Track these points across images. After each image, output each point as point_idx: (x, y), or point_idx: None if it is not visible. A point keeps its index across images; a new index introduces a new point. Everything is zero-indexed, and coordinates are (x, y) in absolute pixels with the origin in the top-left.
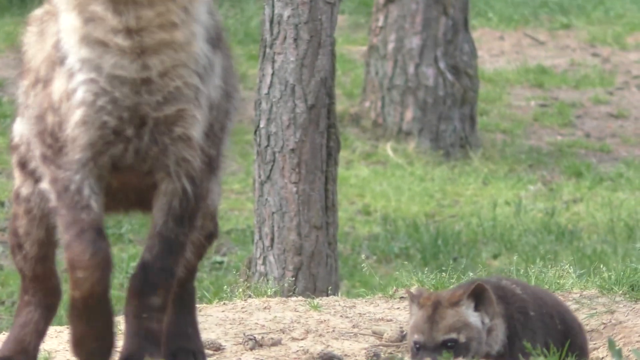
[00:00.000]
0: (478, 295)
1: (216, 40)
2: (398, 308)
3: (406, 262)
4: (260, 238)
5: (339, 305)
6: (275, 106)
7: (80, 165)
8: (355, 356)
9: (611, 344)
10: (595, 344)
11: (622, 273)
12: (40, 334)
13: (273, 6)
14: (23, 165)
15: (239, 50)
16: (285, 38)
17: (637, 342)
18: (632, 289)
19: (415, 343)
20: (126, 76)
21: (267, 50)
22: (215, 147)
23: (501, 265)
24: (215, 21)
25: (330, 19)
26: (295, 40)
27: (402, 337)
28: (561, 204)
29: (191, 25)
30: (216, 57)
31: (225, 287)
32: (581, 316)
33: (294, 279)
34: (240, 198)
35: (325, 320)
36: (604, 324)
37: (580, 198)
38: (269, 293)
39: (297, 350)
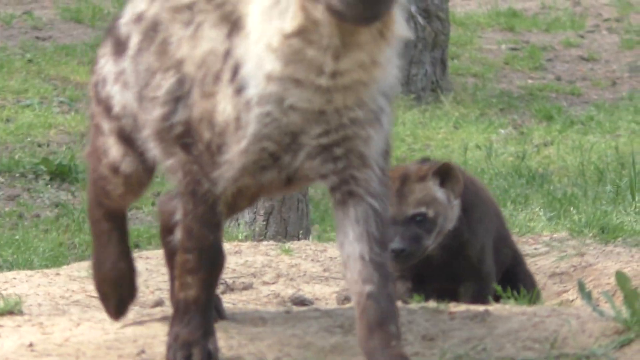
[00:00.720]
0: (443, 174)
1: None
2: None
3: None
4: None
5: (310, 249)
6: None
7: (226, 184)
8: (326, 299)
9: (581, 286)
10: (565, 286)
11: (592, 216)
12: None
13: None
14: (124, 137)
15: None
16: None
17: (607, 284)
18: (602, 232)
19: None
20: (306, 108)
21: None
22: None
23: None
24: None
25: None
26: None
27: None
28: (532, 147)
29: (392, 60)
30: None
31: None
32: (551, 259)
33: (265, 223)
34: None
35: (296, 264)
36: (574, 266)
37: (551, 141)
38: (240, 237)
39: (268, 294)
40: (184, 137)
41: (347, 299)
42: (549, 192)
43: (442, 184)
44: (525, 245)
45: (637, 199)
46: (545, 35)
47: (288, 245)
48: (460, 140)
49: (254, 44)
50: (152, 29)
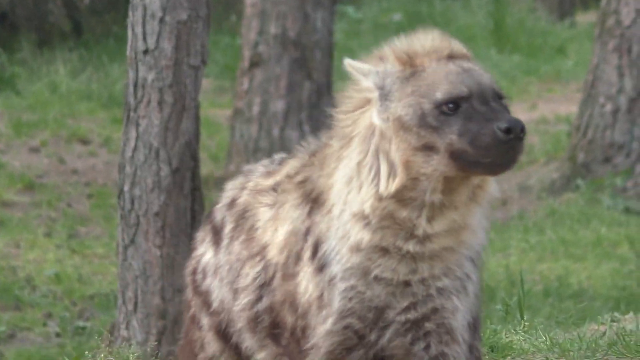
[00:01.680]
0: None
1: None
2: None
3: None
4: (124, 302)
5: None
6: (140, 169)
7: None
8: None
9: None
10: None
11: (482, 334)
12: None
13: (137, 70)
14: (221, 332)
15: (102, 114)
16: (149, 101)
17: None
18: (492, 350)
19: None
20: (391, 278)
21: (132, 113)
22: (479, 335)
23: None
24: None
25: (195, 83)
26: (159, 103)
27: None
28: None
29: (482, 222)
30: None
31: (87, 352)
32: None
33: (157, 343)
34: (104, 262)
35: None
36: None
37: None
38: (131, 358)
39: None
40: (273, 328)
41: None
42: None
43: None
44: None
45: (525, 318)
46: None
47: None
48: None
49: (337, 218)
50: (242, 216)
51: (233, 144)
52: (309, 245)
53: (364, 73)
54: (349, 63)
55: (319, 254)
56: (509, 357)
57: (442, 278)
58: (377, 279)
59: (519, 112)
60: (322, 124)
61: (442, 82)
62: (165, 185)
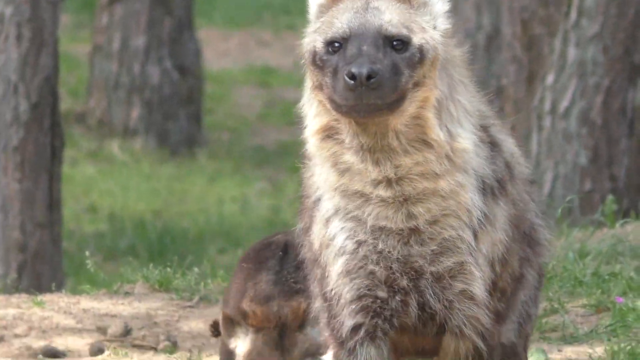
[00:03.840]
0: None
1: (496, 190)
2: (122, 303)
3: (132, 259)
4: None
5: (63, 301)
6: None
7: (353, 332)
8: (79, 351)
9: None
10: None
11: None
12: None
13: None
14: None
15: None
16: (7, 36)
17: None
18: None
19: None
20: (391, 227)
21: None
22: (503, 301)
23: (227, 259)
24: (493, 169)
25: (53, 17)
26: (17, 38)
27: (126, 332)
28: (286, 201)
29: (457, 175)
30: (497, 208)
31: None
32: None
33: (17, 276)
34: None
35: (48, 317)
36: None
37: None
38: None
39: (20, 347)
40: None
41: (100, 350)
42: None
43: None
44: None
45: None
46: (298, 91)
47: (40, 297)
48: (216, 194)
49: (318, 168)
50: None
51: (93, 79)
52: (313, 196)
53: None
54: None
55: (316, 197)
56: None
57: (448, 229)
58: (375, 227)
59: None
60: (183, 60)
61: (336, 20)
62: (24, 120)
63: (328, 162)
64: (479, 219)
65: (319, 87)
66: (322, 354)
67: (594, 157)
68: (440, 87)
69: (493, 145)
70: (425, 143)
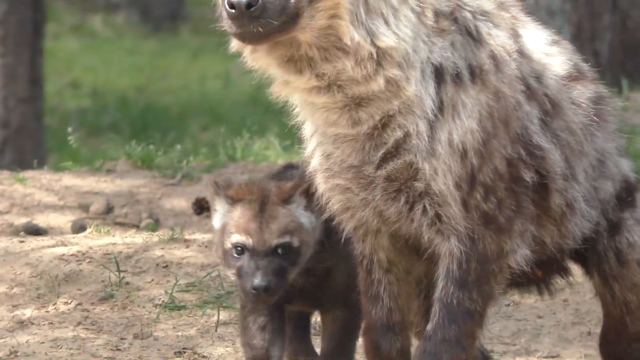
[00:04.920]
0: (310, 194)
1: (464, 77)
2: (105, 181)
3: (115, 136)
4: None
5: (45, 178)
6: None
7: (358, 240)
8: (61, 228)
9: None
10: None
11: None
12: None
13: None
14: None
15: None
16: None
17: None
18: None
19: (237, 246)
20: (340, 132)
21: None
22: (493, 202)
23: (210, 136)
24: (462, 56)
25: None
26: None
27: (109, 210)
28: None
29: (391, 71)
30: (464, 95)
31: None
32: None
33: (0, 152)
34: None
35: (30, 194)
36: None
37: None
38: None
39: (2, 224)
40: None
41: (82, 228)
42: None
43: (307, 206)
44: (261, 173)
45: None
46: None
47: (22, 174)
48: (199, 70)
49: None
50: None
51: None
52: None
53: None
54: None
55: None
56: None
57: (396, 130)
58: (326, 135)
59: None
60: None
61: None
62: None
63: (266, 73)
64: (433, 108)
65: None
66: (302, 234)
67: (577, 33)
68: None
69: (467, 33)
70: (342, 49)
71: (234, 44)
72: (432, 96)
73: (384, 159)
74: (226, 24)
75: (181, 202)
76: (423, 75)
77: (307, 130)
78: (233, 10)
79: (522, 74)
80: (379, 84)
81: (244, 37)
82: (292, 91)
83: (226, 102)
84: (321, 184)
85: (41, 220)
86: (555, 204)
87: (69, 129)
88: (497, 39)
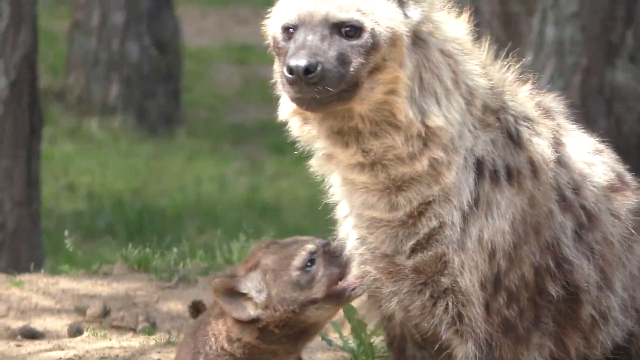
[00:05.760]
0: None
1: (502, 176)
2: (101, 284)
3: (111, 238)
4: None
5: (42, 281)
6: None
7: (386, 326)
8: (58, 332)
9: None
10: None
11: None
12: None
13: None
14: None
15: None
16: None
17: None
18: None
19: None
20: (376, 216)
21: None
22: (515, 310)
23: (206, 239)
24: (501, 155)
25: None
26: None
27: (105, 313)
28: (264, 179)
29: (436, 153)
30: (499, 194)
31: None
32: None
33: None
34: None
35: (27, 297)
36: None
37: (283, 174)
38: None
39: None
40: None
41: (78, 331)
42: (281, 224)
43: None
44: None
45: None
46: None
47: (19, 278)
48: (194, 172)
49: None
50: None
51: (72, 56)
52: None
53: None
54: None
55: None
56: None
57: (432, 219)
58: (367, 219)
59: None
60: (162, 37)
61: (291, 5)
62: (3, 97)
63: (310, 146)
64: (469, 201)
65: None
66: None
67: None
68: (409, 64)
69: (509, 135)
70: (393, 125)
71: (284, 112)
72: (470, 188)
73: (414, 250)
74: (285, 89)
75: (178, 305)
76: (465, 163)
77: (341, 211)
78: (292, 75)
79: (559, 184)
80: (422, 164)
81: (302, 103)
82: (334, 167)
83: (221, 204)
84: (354, 270)
85: (38, 323)
86: (585, 315)
87: (66, 232)
88: (537, 146)
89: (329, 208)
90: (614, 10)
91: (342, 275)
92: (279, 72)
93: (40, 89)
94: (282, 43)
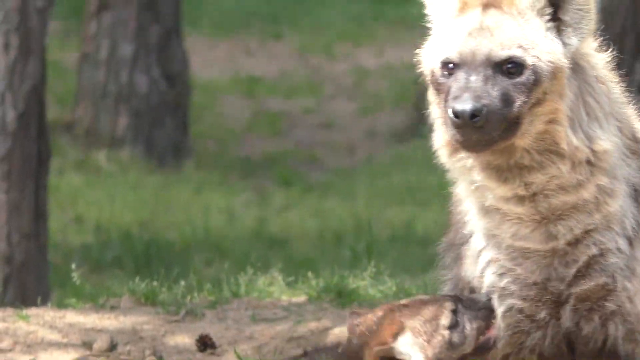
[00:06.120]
0: None
1: None
2: (108, 318)
3: (119, 271)
4: None
5: (49, 315)
6: None
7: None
8: None
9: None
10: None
11: (329, 280)
12: None
13: None
14: None
15: None
16: None
17: None
18: (339, 296)
19: None
20: (529, 247)
21: None
22: None
23: (213, 272)
24: None
25: (41, 26)
26: (5, 47)
27: (112, 347)
28: (272, 211)
29: (602, 179)
30: None
31: None
32: (289, 323)
33: (3, 289)
34: None
35: (34, 331)
36: (311, 330)
37: (291, 206)
38: None
39: None
40: None
41: None
42: (288, 256)
43: None
44: (265, 310)
45: (372, 263)
46: (284, 101)
47: (25, 312)
48: (202, 204)
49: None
50: None
51: (80, 88)
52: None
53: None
54: None
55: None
56: (355, 303)
57: (591, 247)
58: (512, 248)
59: (367, 57)
60: (171, 68)
61: (451, 41)
62: (11, 129)
63: (461, 176)
64: (634, 227)
65: (439, 106)
66: None
67: None
68: (569, 94)
69: None
70: (557, 154)
71: (437, 143)
72: (634, 214)
73: (576, 277)
74: (447, 130)
75: (185, 339)
76: (626, 190)
77: (475, 245)
78: (457, 119)
79: None
80: (589, 191)
81: (467, 146)
82: (485, 199)
83: (229, 236)
84: (495, 303)
85: (44, 358)
86: None
87: (73, 265)
88: None
89: (335, 241)
90: (623, 42)
91: (488, 326)
92: (435, 103)
93: (48, 121)
94: (441, 79)
